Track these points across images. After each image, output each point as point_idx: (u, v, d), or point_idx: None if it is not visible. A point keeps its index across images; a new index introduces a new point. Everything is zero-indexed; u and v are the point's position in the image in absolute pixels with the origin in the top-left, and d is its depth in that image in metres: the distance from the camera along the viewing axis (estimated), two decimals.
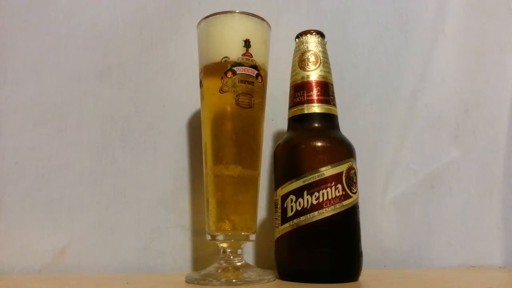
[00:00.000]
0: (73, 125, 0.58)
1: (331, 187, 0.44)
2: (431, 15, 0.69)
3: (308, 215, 0.44)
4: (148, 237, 0.57)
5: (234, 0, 0.57)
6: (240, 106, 0.48)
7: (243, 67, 0.48)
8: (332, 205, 0.44)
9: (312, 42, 0.50)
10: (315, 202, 0.44)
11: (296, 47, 0.51)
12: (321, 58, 0.50)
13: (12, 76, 0.59)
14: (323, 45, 0.51)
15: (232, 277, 0.45)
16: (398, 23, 0.68)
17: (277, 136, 0.61)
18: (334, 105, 0.50)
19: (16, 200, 0.56)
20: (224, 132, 0.49)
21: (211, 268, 0.48)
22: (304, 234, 0.45)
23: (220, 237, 0.48)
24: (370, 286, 0.46)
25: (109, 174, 0.58)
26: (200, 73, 0.51)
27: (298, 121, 0.49)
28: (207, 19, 0.50)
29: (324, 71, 0.49)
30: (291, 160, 0.48)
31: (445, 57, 0.68)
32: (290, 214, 0.45)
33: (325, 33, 0.51)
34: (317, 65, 0.49)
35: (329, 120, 0.49)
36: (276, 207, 0.48)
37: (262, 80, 0.50)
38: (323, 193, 0.44)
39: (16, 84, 0.58)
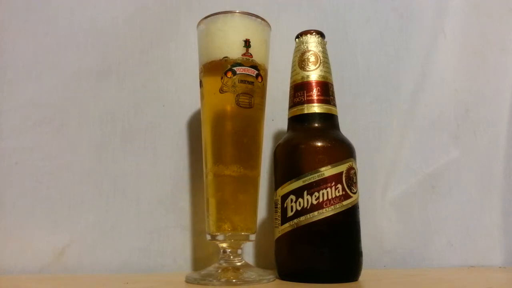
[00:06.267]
0: (73, 125, 0.59)
1: (331, 187, 0.44)
2: (431, 15, 0.69)
3: (308, 215, 0.44)
4: (148, 237, 0.57)
5: (234, 0, 0.57)
6: (240, 106, 0.48)
7: (243, 67, 0.48)
8: (332, 205, 0.44)
9: (312, 42, 0.50)
10: (315, 202, 0.44)
11: (296, 47, 0.51)
12: (321, 58, 0.50)
13: (12, 76, 0.59)
14: (323, 45, 0.50)
15: (232, 277, 0.45)
16: (398, 23, 0.68)
17: (277, 136, 0.61)
18: (334, 105, 0.50)
19: (16, 200, 0.56)
20: (224, 132, 0.49)
21: (211, 268, 0.48)
22: (304, 234, 0.45)
23: (220, 237, 0.48)
24: (370, 286, 0.46)
25: (109, 174, 0.58)
26: (200, 73, 0.51)
27: (298, 121, 0.49)
28: (207, 19, 0.50)
29: (324, 71, 0.49)
30: (291, 160, 0.48)
31: (445, 57, 0.68)
32: (290, 214, 0.45)
33: (325, 33, 0.51)
34: (317, 65, 0.49)
35: (329, 120, 0.49)
36: (276, 207, 0.48)
37: (262, 80, 0.50)
38: (323, 193, 0.44)
39: (16, 84, 0.59)
